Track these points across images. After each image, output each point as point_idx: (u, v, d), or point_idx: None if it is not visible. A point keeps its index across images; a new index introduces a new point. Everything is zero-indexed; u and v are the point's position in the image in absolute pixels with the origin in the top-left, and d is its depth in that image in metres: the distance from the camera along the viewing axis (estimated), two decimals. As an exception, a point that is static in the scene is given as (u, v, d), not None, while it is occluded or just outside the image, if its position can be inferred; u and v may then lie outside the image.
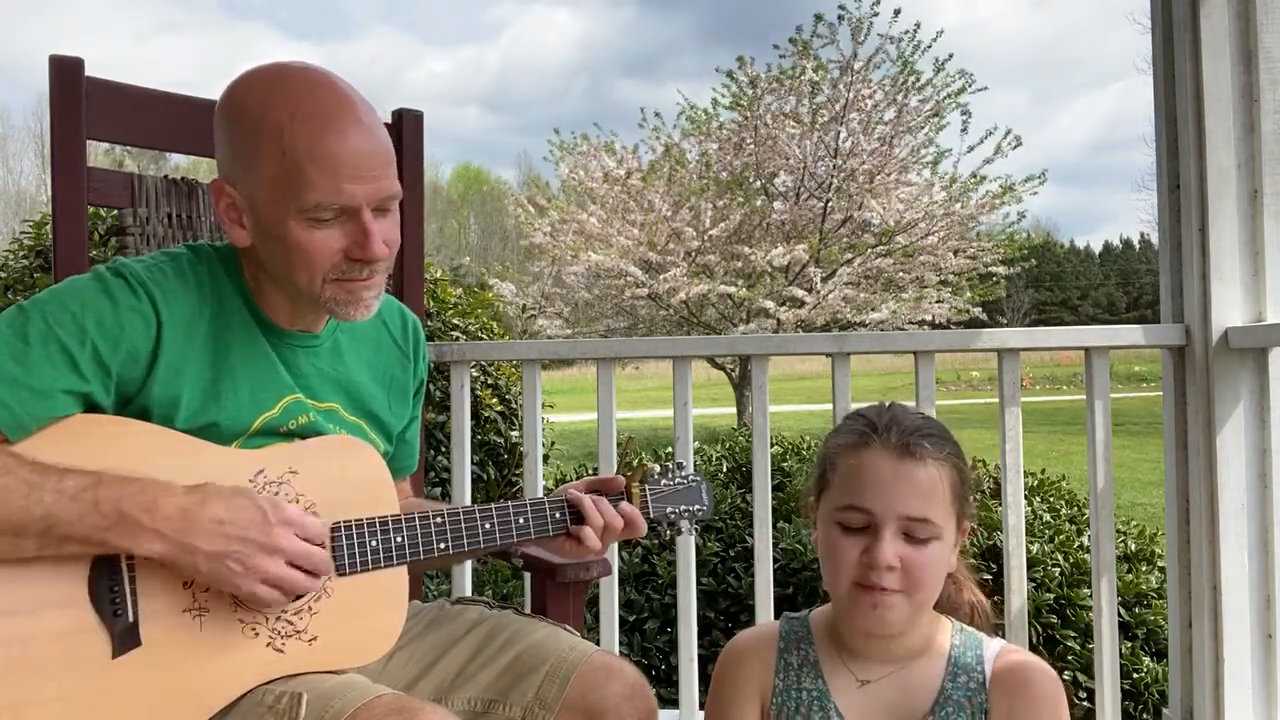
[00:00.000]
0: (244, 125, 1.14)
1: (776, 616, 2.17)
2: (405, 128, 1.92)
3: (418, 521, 1.24)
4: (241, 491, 1.08)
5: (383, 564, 1.20)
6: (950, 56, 11.58)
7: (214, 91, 1.24)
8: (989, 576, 3.05)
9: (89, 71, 1.60)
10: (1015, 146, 11.82)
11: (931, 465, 1.13)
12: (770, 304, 11.24)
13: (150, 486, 1.03)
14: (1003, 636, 2.15)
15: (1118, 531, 3.30)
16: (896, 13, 11.35)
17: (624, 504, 1.36)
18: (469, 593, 2.18)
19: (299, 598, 1.13)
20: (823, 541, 1.18)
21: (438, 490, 3.44)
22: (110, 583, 1.04)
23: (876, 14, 11.32)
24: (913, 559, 1.11)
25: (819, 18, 11.41)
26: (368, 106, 1.17)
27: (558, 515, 1.34)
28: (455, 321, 4.14)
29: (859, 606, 1.13)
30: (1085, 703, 2.80)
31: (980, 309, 12.81)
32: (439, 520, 1.26)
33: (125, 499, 1.01)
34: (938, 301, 12.10)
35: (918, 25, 11.47)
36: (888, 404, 1.22)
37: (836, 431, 1.23)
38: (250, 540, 1.04)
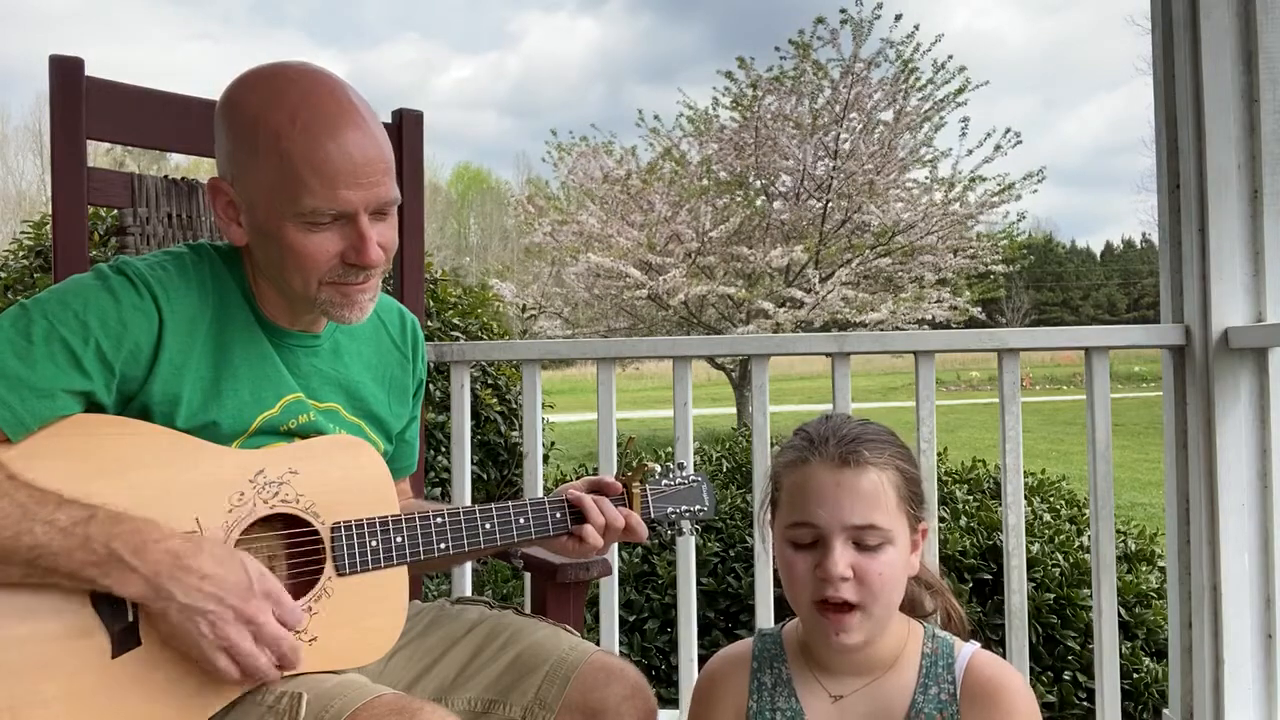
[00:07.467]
0: (241, 126, 1.14)
1: (776, 616, 2.19)
2: (405, 128, 1.92)
3: (418, 521, 1.24)
4: (235, 552, 1.07)
5: (383, 564, 1.21)
6: (950, 57, 11.62)
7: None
8: (989, 576, 3.06)
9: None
10: (1015, 144, 11.84)
11: (873, 471, 1.13)
12: (769, 305, 11.24)
13: (144, 528, 1.02)
14: (1001, 639, 2.16)
15: (1118, 531, 3.29)
16: (898, 18, 11.39)
17: (625, 509, 1.37)
18: (469, 593, 2.18)
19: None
20: (779, 560, 1.19)
21: (438, 490, 3.44)
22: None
23: (879, 16, 11.34)
24: (866, 567, 1.11)
25: (820, 21, 11.42)
26: (367, 109, 1.16)
27: (558, 515, 1.34)
28: (455, 321, 4.14)
29: (820, 631, 1.14)
30: (1085, 703, 2.80)
31: (980, 309, 12.80)
32: (439, 520, 1.26)
33: (117, 537, 1.00)
34: (936, 302, 12.10)
35: (917, 27, 11.51)
36: (826, 416, 1.23)
37: (781, 450, 1.23)
38: (227, 604, 1.02)
